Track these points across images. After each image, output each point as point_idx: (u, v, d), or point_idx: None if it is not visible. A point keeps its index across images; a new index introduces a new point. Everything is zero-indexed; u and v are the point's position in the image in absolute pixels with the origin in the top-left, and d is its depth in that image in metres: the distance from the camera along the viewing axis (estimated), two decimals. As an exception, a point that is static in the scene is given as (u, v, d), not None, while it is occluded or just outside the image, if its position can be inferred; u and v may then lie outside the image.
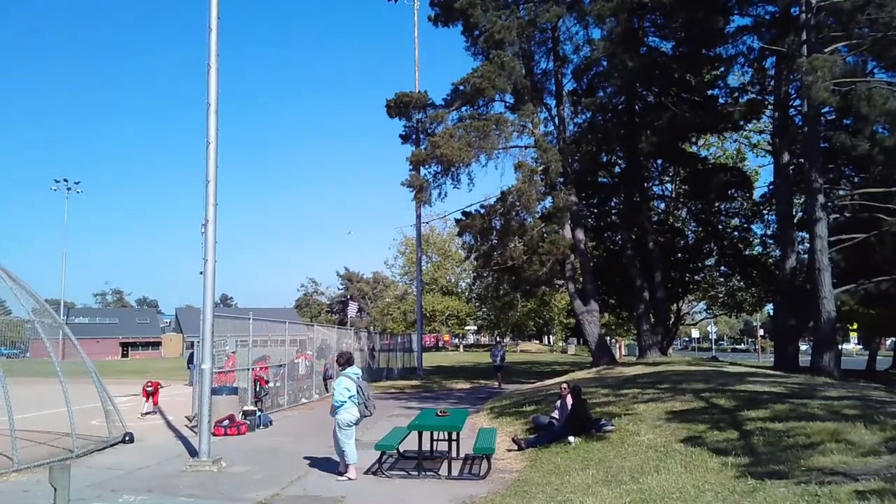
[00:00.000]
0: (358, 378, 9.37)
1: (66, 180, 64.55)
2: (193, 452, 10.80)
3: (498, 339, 53.95)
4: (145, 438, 12.77)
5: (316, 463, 10.30)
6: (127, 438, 12.23)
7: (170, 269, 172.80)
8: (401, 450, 10.05)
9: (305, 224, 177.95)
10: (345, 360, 9.69)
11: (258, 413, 14.43)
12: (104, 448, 11.58)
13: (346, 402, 9.15)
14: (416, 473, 9.30)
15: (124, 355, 77.59)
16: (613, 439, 10.03)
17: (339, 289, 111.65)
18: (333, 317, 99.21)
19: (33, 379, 12.04)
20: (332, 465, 9.92)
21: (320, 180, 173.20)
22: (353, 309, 77.14)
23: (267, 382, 16.31)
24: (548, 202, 28.58)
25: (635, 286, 27.67)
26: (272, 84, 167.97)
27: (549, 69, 29.78)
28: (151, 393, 16.75)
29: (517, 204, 26.33)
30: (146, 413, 16.34)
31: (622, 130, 28.18)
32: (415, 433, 9.86)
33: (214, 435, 11.10)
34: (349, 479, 9.09)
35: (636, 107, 29.02)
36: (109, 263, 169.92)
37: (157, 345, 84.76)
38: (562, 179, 27.18)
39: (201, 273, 10.60)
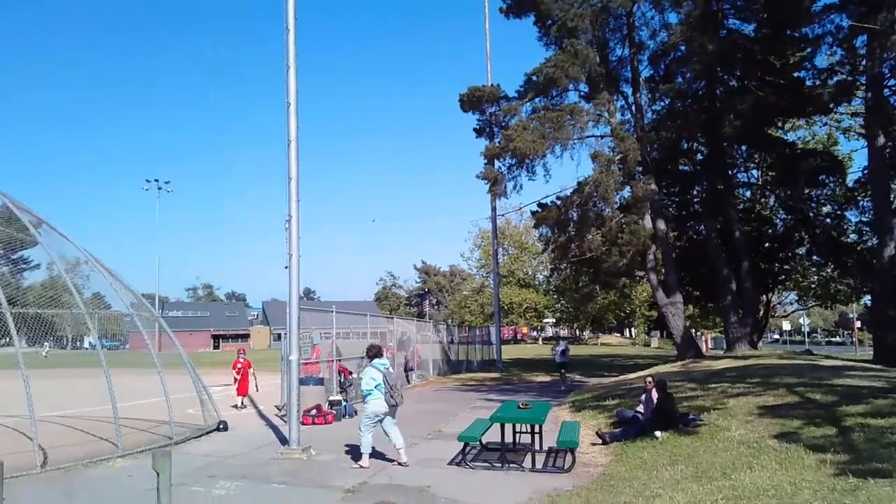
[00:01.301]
0: (385, 369, 9.69)
1: (156, 180, 67.87)
2: (284, 441, 11.19)
3: (559, 333, 53.05)
4: (238, 427, 13.32)
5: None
6: (221, 427, 12.79)
7: (257, 264, 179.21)
8: (483, 441, 10.08)
9: (383, 218, 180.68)
10: (374, 353, 10.03)
11: (343, 403, 14.79)
12: (200, 436, 12.15)
13: (372, 391, 9.46)
14: (500, 465, 9.31)
15: (216, 347, 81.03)
16: (702, 434, 9.75)
17: (416, 282, 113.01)
18: (411, 310, 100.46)
19: (132, 370, 12.72)
20: (416, 455, 10.07)
21: (397, 175, 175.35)
22: (427, 303, 77.97)
23: (351, 373, 16.68)
24: (626, 192, 28.02)
25: (721, 277, 26.71)
26: (347, 82, 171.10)
27: (625, 56, 29.09)
28: (241, 379, 16.91)
29: (594, 195, 25.87)
30: (241, 407, 16.63)
31: (703, 116, 27.18)
32: (497, 425, 9.89)
33: (303, 424, 11.44)
34: (361, 466, 9.34)
35: (717, 91, 27.92)
36: (200, 259, 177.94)
37: (245, 337, 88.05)
38: (640, 168, 26.55)
39: (286, 268, 10.94)
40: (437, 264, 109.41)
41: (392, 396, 9.46)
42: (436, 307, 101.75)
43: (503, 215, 46.31)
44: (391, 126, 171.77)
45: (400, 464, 9.46)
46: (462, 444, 9.70)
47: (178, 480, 5.87)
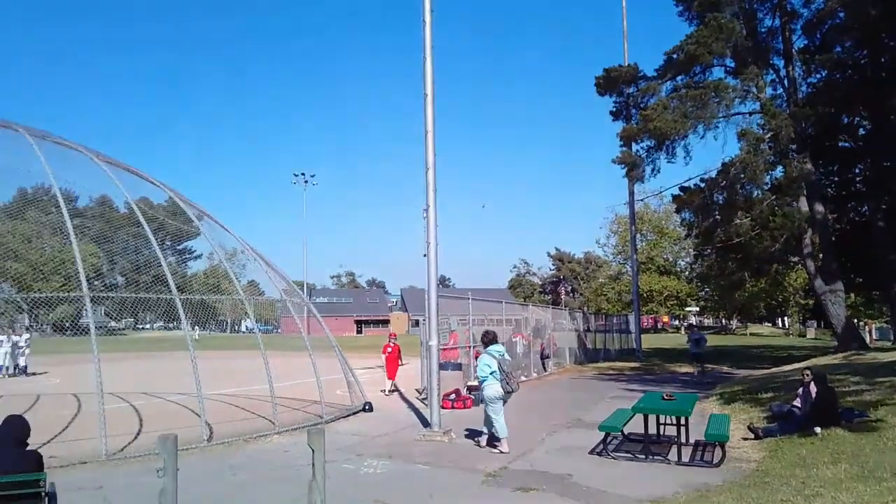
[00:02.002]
0: (500, 356, 9.86)
1: (303, 174, 71.56)
2: (425, 423, 11.51)
3: (692, 323, 50.21)
4: (382, 408, 13.86)
5: (541, 440, 10.48)
6: (366, 408, 13.37)
7: (395, 252, 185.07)
8: (625, 432, 9.85)
9: (517, 205, 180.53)
10: (489, 339, 10.17)
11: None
12: (348, 416, 12.77)
13: (487, 377, 9.70)
14: (643, 457, 9.05)
15: (358, 332, 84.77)
16: (868, 431, 8.95)
17: (550, 269, 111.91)
18: (546, 297, 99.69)
19: (283, 352, 13.50)
20: (556, 443, 10.03)
21: (531, 162, 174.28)
22: (562, 291, 76.93)
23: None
24: (777, 172, 26.09)
25: (887, 262, 24.31)
26: (480, 70, 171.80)
27: (775, 27, 27.04)
28: (389, 364, 16.98)
29: (741, 176, 24.40)
30: (390, 391, 16.73)
31: (866, 88, 24.70)
32: (639, 416, 9.61)
33: (442, 408, 11.71)
34: (501, 451, 9.46)
35: (882, 60, 25.27)
36: (342, 248, 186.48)
37: (385, 322, 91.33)
38: (794, 146, 24.66)
39: (424, 255, 11.19)
40: (572, 251, 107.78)
41: (508, 383, 9.63)
42: (570, 295, 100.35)
43: (641, 200, 44.69)
44: (525, 113, 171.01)
45: (501, 452, 9.52)
46: (603, 433, 9.52)
47: (329, 457, 6.19)
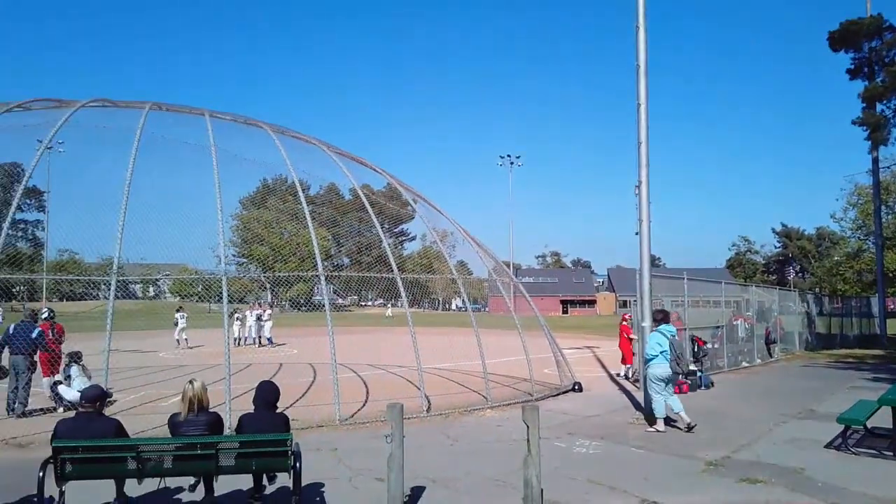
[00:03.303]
0: (672, 336, 9.76)
1: (509, 156, 72.33)
2: (638, 406, 11.22)
3: None
4: (591, 389, 13.73)
5: (768, 430, 9.73)
6: (576, 388, 13.33)
7: (601, 232, 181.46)
8: (868, 426, 8.81)
9: (736, 180, 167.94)
10: (660, 318, 10.08)
11: (698, 373, 14.24)
12: (557, 394, 12.83)
13: (657, 356, 9.62)
14: (891, 454, 8.02)
15: (564, 312, 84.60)
16: None
17: (775, 247, 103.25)
18: (770, 277, 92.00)
19: (492, 330, 13.85)
20: (785, 434, 9.27)
21: (750, 129, 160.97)
22: (789, 270, 70.26)
23: (705, 343, 15.94)
24: None
25: None
26: (695, 40, 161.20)
27: None
28: (624, 347, 15.71)
29: None
30: (627, 375, 15.53)
31: None
32: (886, 409, 8.52)
33: (656, 392, 11.31)
34: (657, 430, 9.47)
35: None
36: (548, 228, 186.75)
37: (591, 303, 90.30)
38: None
39: (636, 234, 10.83)
40: (801, 227, 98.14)
41: (678, 364, 9.54)
42: (799, 275, 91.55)
43: (888, 168, 39.25)
44: (745, 76, 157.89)
45: (689, 428, 9.47)
46: (843, 426, 8.60)
47: (541, 434, 6.27)
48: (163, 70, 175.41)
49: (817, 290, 58.73)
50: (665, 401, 9.65)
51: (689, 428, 9.49)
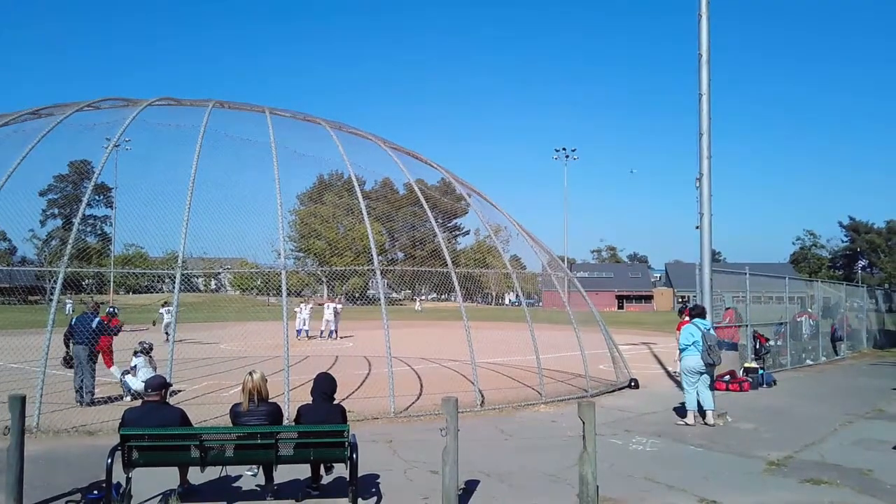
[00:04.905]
0: (706, 329, 9.84)
1: (564, 149, 71.47)
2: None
3: None
4: (648, 385, 13.50)
5: (833, 430, 9.41)
6: (632, 384, 13.12)
7: (658, 226, 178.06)
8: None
9: (801, 173, 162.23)
10: (696, 313, 10.23)
11: (760, 371, 13.83)
12: (612, 391, 12.65)
13: (688, 346, 9.76)
14: (970, 460, 7.65)
15: (619, 307, 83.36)
16: None
17: (842, 241, 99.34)
18: (836, 272, 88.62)
19: (546, 325, 13.73)
20: (852, 435, 8.93)
21: (816, 119, 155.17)
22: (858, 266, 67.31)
23: (767, 340, 15.49)
24: None
25: None
26: (758, 27, 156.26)
27: None
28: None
29: None
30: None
31: None
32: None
33: (716, 389, 11.02)
34: (686, 423, 9.56)
35: None
36: (604, 222, 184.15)
37: (648, 298, 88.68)
38: None
39: (697, 227, 10.61)
40: (870, 220, 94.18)
41: (709, 355, 9.59)
42: (868, 270, 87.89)
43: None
44: (811, 62, 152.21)
45: (706, 423, 9.54)
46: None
47: (597, 431, 6.20)
48: (209, 68, 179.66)
49: (887, 285, 56.36)
50: (696, 394, 9.72)
51: (709, 425, 9.55)
